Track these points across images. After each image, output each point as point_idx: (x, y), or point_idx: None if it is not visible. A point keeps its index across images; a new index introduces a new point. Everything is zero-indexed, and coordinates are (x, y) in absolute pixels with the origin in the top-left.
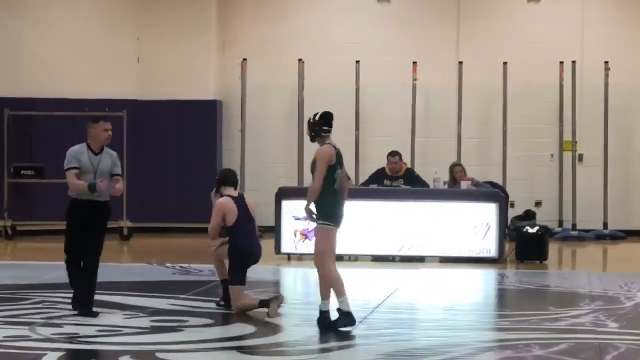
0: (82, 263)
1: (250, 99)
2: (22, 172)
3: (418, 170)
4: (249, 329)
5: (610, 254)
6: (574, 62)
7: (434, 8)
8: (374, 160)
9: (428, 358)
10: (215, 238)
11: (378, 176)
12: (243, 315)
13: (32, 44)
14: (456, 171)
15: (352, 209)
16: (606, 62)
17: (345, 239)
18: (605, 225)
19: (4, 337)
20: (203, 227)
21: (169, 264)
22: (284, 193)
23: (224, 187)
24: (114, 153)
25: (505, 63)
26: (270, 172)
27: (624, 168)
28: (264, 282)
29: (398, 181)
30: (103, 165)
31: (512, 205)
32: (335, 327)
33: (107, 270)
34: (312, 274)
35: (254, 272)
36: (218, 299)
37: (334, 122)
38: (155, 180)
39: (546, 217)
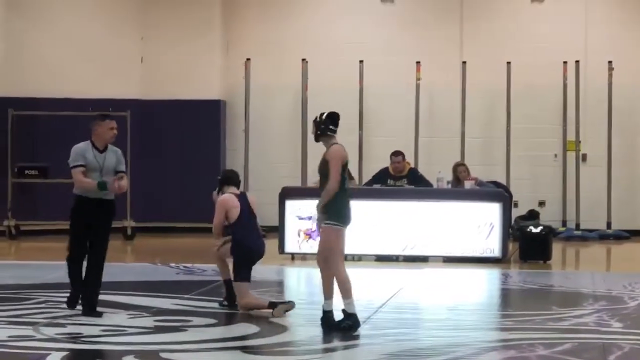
0: (85, 262)
1: (254, 99)
2: (26, 172)
3: (422, 170)
4: (252, 328)
5: (614, 254)
6: (577, 62)
7: (437, 8)
8: (378, 160)
9: (432, 358)
10: (220, 235)
11: (381, 176)
12: (247, 315)
13: (36, 44)
14: (460, 171)
15: (356, 209)
16: (610, 62)
17: (349, 239)
18: (609, 225)
19: (7, 337)
20: (207, 227)
21: (172, 264)
22: (288, 193)
23: (227, 187)
24: (119, 150)
25: (508, 63)
26: (274, 172)
27: (627, 168)
28: (267, 282)
29: (401, 181)
30: (108, 162)
31: (516, 205)
32: (338, 328)
33: (111, 270)
34: (316, 273)
35: (258, 272)
36: (222, 299)
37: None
38: (159, 180)
39: (550, 217)
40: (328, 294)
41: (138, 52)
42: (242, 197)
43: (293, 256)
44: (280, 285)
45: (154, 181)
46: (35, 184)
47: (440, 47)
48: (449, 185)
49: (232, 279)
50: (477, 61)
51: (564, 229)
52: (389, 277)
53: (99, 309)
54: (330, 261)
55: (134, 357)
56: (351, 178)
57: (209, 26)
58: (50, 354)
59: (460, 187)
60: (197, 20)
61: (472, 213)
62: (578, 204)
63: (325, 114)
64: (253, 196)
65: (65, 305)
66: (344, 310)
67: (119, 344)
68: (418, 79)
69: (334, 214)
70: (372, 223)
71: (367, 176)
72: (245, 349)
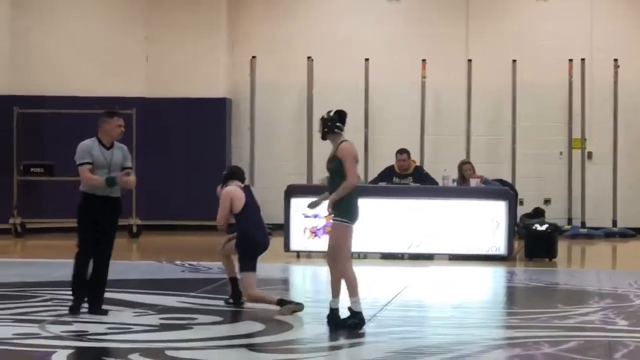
0: (92, 261)
1: (259, 96)
2: (32, 169)
3: (427, 168)
4: (258, 326)
5: (619, 252)
6: (583, 59)
7: (443, 6)
8: (384, 158)
9: (437, 356)
10: (225, 227)
11: (387, 174)
12: (252, 313)
13: (41, 42)
14: (465, 169)
15: (362, 207)
16: (615, 60)
17: (355, 237)
18: (614, 222)
19: (13, 334)
20: (212, 224)
21: (178, 262)
22: (293, 190)
23: (232, 182)
24: (125, 147)
25: (514, 61)
26: (280, 170)
27: (633, 166)
28: (273, 279)
29: (407, 179)
30: (115, 159)
31: (522, 202)
32: (344, 325)
33: (116, 268)
34: (322, 271)
35: (263, 270)
36: (227, 297)
37: None
38: (164, 178)
39: (555, 214)
40: (335, 292)
41: (143, 50)
42: (247, 190)
43: (298, 254)
44: (285, 283)
45: (160, 179)
46: (41, 181)
47: (446, 45)
48: (455, 184)
49: (238, 270)
50: (482, 59)
51: (569, 226)
52: (395, 275)
53: (104, 306)
54: (338, 258)
55: (140, 355)
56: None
57: (215, 24)
58: (56, 351)
59: (466, 185)
60: (202, 19)
61: (477, 211)
62: (584, 201)
63: (332, 112)
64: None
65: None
66: (349, 308)
67: (124, 341)
68: (424, 77)
69: (344, 210)
70: (377, 221)
71: (373, 174)
72: (250, 347)
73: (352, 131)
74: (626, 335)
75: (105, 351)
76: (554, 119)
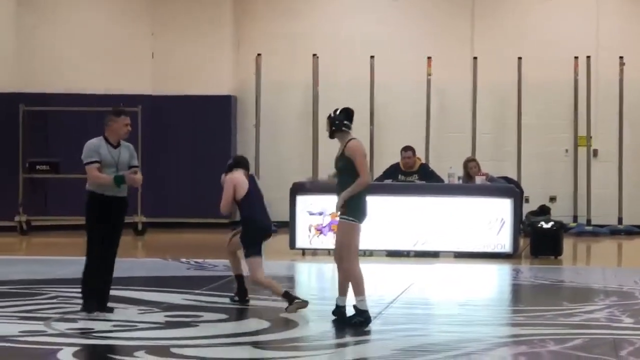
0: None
1: (264, 94)
2: (37, 167)
3: (432, 165)
4: (263, 324)
5: (625, 250)
6: (588, 57)
7: (448, 4)
8: (389, 156)
9: (443, 353)
10: (229, 210)
11: (392, 171)
12: (258, 310)
13: (47, 39)
14: (470, 167)
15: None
16: (621, 58)
17: (360, 235)
18: (620, 220)
19: (19, 332)
20: (217, 222)
21: (183, 259)
22: (299, 188)
23: (237, 170)
24: (131, 145)
25: (519, 58)
26: (285, 167)
27: (638, 163)
28: (278, 277)
29: (412, 176)
30: (123, 158)
31: (527, 200)
32: (349, 323)
33: (121, 266)
34: (327, 269)
35: (269, 268)
36: (232, 294)
37: None
38: (169, 176)
39: (561, 212)
40: (342, 290)
41: (149, 47)
42: (251, 178)
43: (304, 252)
44: (291, 280)
45: (165, 177)
46: (47, 179)
47: (451, 43)
48: (460, 181)
49: (244, 256)
50: (488, 57)
51: (575, 224)
52: (400, 273)
53: (110, 304)
54: (345, 257)
55: (145, 353)
56: None
57: (220, 22)
58: (61, 349)
59: (471, 182)
60: (208, 16)
61: (483, 209)
62: (589, 199)
63: (339, 110)
64: None
65: (77, 301)
66: (355, 307)
67: (130, 339)
68: (429, 74)
69: (352, 209)
70: (383, 218)
71: (378, 172)
72: (256, 344)
73: (357, 129)
74: (632, 332)
75: (111, 349)
76: (560, 117)
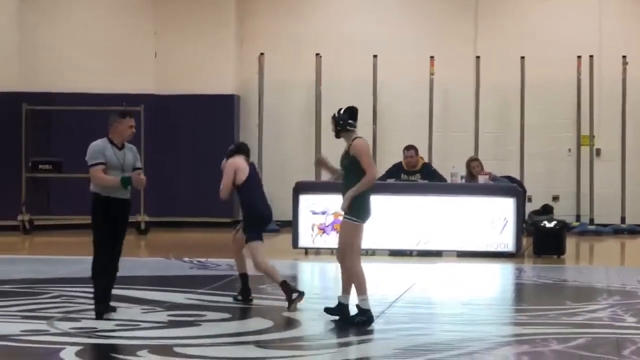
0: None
1: (267, 93)
2: (40, 166)
3: (435, 164)
4: (266, 323)
5: (628, 249)
6: (591, 56)
7: (451, 3)
8: (392, 155)
9: (445, 352)
10: (229, 194)
11: (395, 171)
12: (261, 309)
13: (49, 38)
14: (473, 166)
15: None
16: (624, 57)
17: (363, 234)
18: (623, 219)
19: (22, 331)
20: (220, 221)
21: (186, 259)
22: (302, 187)
23: (238, 156)
24: (134, 147)
25: (522, 58)
26: (288, 167)
27: None
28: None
29: (415, 176)
30: (127, 160)
31: (530, 199)
32: (352, 322)
33: (124, 265)
34: (330, 268)
35: None
36: (236, 294)
37: None
38: (172, 175)
39: (564, 211)
40: (346, 289)
41: (152, 46)
42: (252, 165)
43: (307, 251)
44: (294, 280)
45: (168, 176)
46: (49, 178)
47: (454, 43)
48: (463, 180)
49: (246, 241)
50: (490, 56)
51: (577, 223)
52: (403, 272)
53: (112, 303)
54: (347, 256)
55: (148, 352)
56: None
57: (223, 21)
58: (64, 348)
59: (474, 182)
60: (210, 15)
61: (485, 208)
62: (592, 198)
63: (343, 109)
64: None
65: (79, 300)
66: (357, 306)
67: (133, 338)
68: (432, 74)
69: (355, 209)
70: (385, 218)
71: (381, 171)
72: (259, 344)
73: (359, 128)
74: (634, 332)
75: (114, 348)
76: (563, 116)
